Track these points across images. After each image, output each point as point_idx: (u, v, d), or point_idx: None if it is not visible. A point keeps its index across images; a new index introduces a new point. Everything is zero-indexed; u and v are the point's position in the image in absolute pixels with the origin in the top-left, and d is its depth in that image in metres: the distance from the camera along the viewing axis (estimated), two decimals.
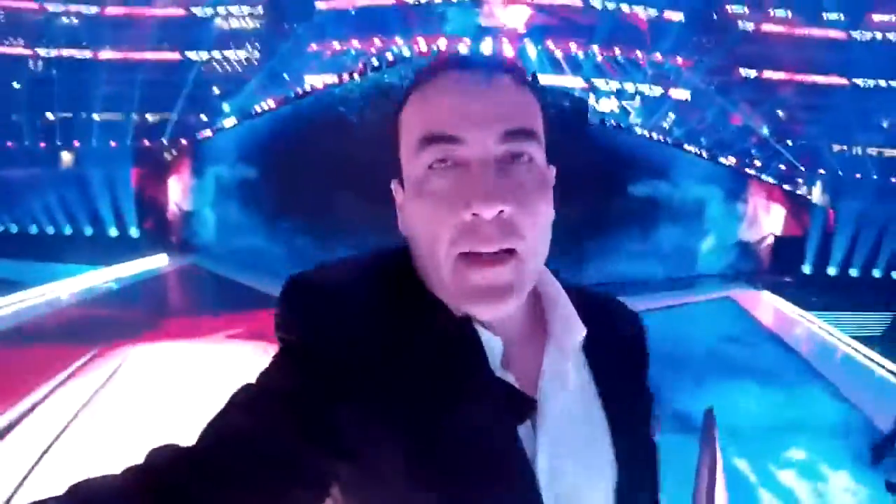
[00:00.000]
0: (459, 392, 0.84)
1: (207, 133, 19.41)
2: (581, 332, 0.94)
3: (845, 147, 35.18)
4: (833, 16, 38.31)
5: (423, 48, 11.06)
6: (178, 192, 18.33)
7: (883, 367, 10.59)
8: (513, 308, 0.87)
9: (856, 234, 20.06)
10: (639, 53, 33.34)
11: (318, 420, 0.78)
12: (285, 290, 0.88)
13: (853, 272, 20.00)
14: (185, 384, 7.40)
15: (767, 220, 19.28)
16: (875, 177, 30.11)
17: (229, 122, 19.00)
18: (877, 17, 38.58)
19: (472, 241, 0.83)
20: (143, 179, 19.42)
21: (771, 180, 20.80)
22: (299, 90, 15.33)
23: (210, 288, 13.76)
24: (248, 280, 12.33)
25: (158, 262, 15.70)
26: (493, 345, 0.88)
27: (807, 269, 19.46)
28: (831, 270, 19.95)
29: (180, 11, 37.40)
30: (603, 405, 0.94)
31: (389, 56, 12.12)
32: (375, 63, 12.43)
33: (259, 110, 17.05)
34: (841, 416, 8.05)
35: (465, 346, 0.86)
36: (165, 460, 0.74)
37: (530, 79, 0.93)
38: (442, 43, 10.83)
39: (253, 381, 0.83)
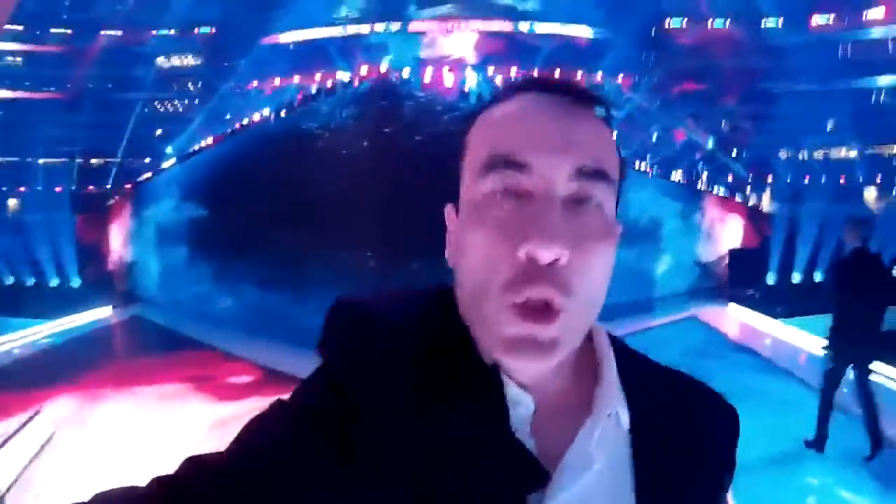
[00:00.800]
0: (474, 444, 0.77)
1: (147, 176, 18.74)
2: (621, 412, 0.85)
3: (791, 152, 35.98)
4: (772, 22, 39.37)
5: (364, 73, 10.50)
6: (119, 240, 17.71)
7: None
8: (551, 367, 0.80)
9: (813, 237, 20.29)
10: (579, 74, 33.62)
11: (337, 440, 0.76)
12: (330, 310, 0.87)
13: (816, 276, 20.18)
14: (122, 435, 7.40)
15: (724, 234, 19.29)
16: (823, 180, 30.72)
17: (169, 163, 18.33)
18: (816, 21, 39.81)
19: (525, 288, 0.75)
20: (86, 226, 18.67)
21: (722, 192, 20.89)
22: (237, 125, 14.60)
23: (152, 340, 13.14)
24: (192, 331, 11.90)
25: (102, 314, 15.06)
26: (522, 401, 0.81)
27: (771, 278, 19.54)
28: (795, 277, 20.09)
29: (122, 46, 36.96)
30: (637, 499, 0.83)
31: (329, 84, 11.49)
32: (314, 91, 11.80)
33: (197, 149, 16.39)
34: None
35: (487, 398, 0.80)
36: (187, 471, 0.75)
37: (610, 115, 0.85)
38: (383, 68, 10.35)
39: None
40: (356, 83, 10.70)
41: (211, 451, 0.78)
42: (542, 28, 36.06)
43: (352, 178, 10.07)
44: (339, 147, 10.30)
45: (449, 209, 0.90)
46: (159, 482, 0.74)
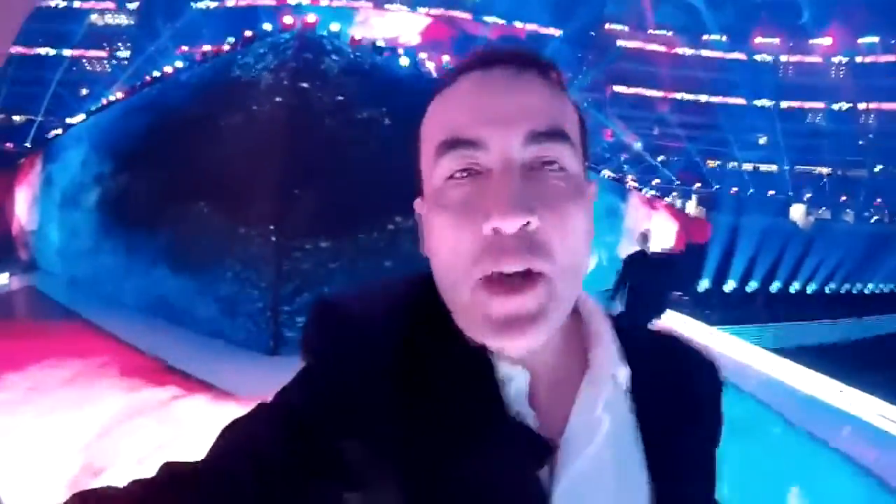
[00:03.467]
0: (470, 431, 0.76)
1: (57, 132, 17.56)
2: (620, 373, 0.84)
3: (720, 163, 37.00)
4: (715, 37, 40.46)
5: (289, 22, 9.67)
6: (23, 202, 16.48)
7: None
8: (541, 341, 0.77)
9: (745, 246, 20.72)
10: None
11: (325, 443, 0.75)
12: (313, 309, 0.84)
13: (751, 286, 20.68)
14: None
15: (653, 235, 19.33)
16: (752, 191, 31.58)
17: (78, 118, 17.15)
18: (759, 40, 41.11)
19: (492, 260, 0.73)
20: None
21: (653, 194, 20.93)
22: (148, 77, 13.54)
23: (41, 315, 12.18)
24: (85, 311, 10.81)
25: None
26: (515, 377, 0.80)
27: (705, 283, 19.84)
28: (730, 284, 20.50)
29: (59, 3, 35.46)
30: (645, 458, 0.84)
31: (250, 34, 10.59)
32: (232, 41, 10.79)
33: (106, 103, 15.27)
34: (752, 416, 8.00)
35: (478, 381, 0.79)
36: (165, 477, 0.71)
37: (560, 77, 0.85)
38: (311, 18, 9.50)
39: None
40: (282, 27, 9.81)
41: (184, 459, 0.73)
42: (482, 18, 36.13)
43: (262, 140, 9.19)
44: (250, 103, 9.42)
45: (418, 203, 0.86)
46: (140, 485, 0.70)
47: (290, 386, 0.81)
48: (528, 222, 0.72)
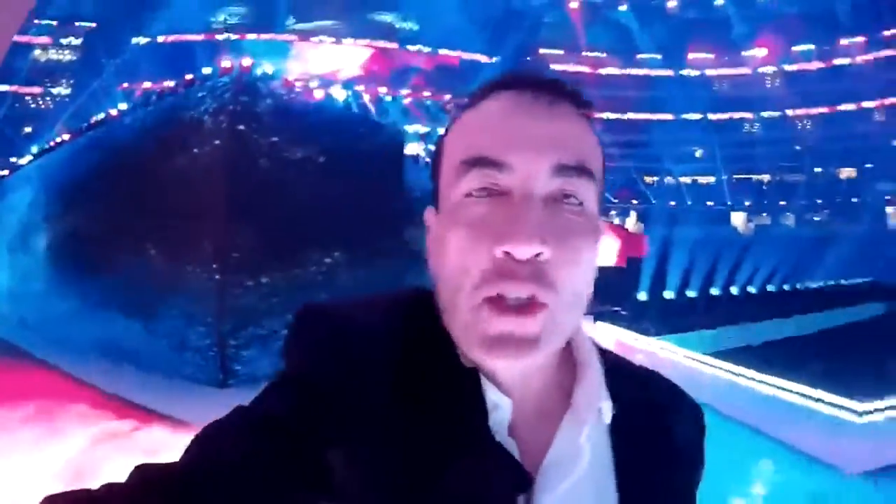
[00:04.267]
0: (452, 451, 0.76)
1: (3, 174, 17.46)
2: (605, 407, 0.85)
3: (658, 178, 37.81)
4: (648, 55, 41.40)
5: (227, 66, 10.06)
6: None
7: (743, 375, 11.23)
8: (533, 364, 0.80)
9: (682, 258, 21.24)
10: (447, 97, 34.08)
11: (305, 451, 0.74)
12: (296, 317, 0.84)
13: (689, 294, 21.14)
14: None
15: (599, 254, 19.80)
16: (689, 202, 32.35)
17: (26, 160, 17.12)
18: (693, 55, 42.10)
19: (500, 283, 0.74)
20: None
21: None
22: (92, 121, 13.73)
23: None
24: (41, 351, 10.76)
25: None
26: (500, 404, 0.80)
27: (641, 296, 20.23)
28: (667, 294, 20.92)
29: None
30: (619, 496, 0.84)
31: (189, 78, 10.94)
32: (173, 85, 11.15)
33: (52, 145, 15.36)
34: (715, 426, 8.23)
35: (466, 402, 0.79)
36: (137, 481, 0.69)
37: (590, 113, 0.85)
38: (246, 62, 9.88)
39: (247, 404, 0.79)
40: (222, 70, 10.17)
41: (163, 462, 0.72)
42: (418, 49, 36.39)
43: (203, 181, 9.56)
44: (192, 146, 9.78)
45: (428, 213, 0.87)
46: (112, 488, 0.69)
47: (269, 392, 0.80)
48: (540, 252, 0.74)
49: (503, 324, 0.75)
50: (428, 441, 0.76)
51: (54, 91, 36.86)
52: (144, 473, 0.70)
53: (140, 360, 9.75)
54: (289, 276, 9.62)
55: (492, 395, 0.80)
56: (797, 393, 9.78)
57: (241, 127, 9.62)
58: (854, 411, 8.99)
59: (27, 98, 37.03)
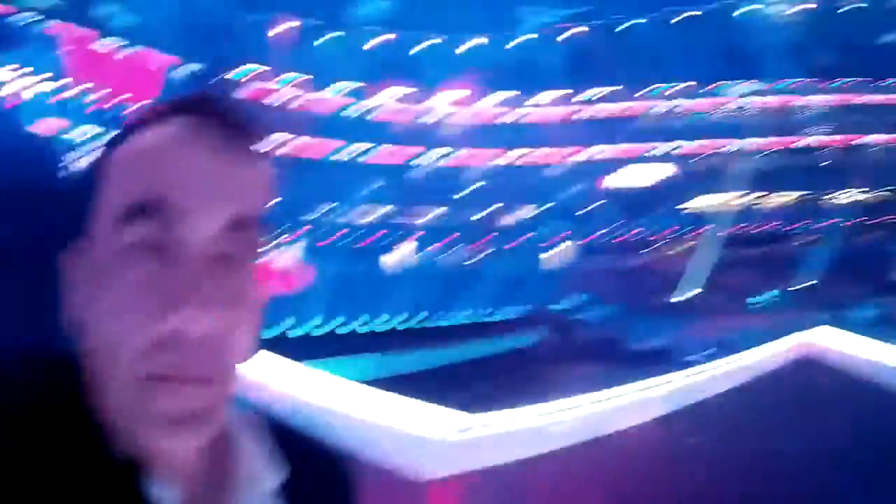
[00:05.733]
0: None
1: None
2: (268, 479, 0.75)
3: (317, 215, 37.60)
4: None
5: None
6: None
7: None
8: (205, 440, 0.68)
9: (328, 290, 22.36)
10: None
11: None
12: None
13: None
14: None
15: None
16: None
17: None
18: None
19: (168, 361, 0.62)
20: None
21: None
22: None
23: None
24: None
25: None
26: (165, 498, 0.66)
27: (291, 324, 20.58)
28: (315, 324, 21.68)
29: None
30: None
31: None
32: None
33: None
34: None
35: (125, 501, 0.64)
36: None
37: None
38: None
39: None
40: None
41: None
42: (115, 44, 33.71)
43: None
44: None
45: (68, 258, 0.70)
46: None
47: None
48: (213, 323, 0.62)
49: (173, 398, 0.62)
50: None
51: None
52: None
53: None
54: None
55: (154, 486, 0.65)
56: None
57: None
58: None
59: None
